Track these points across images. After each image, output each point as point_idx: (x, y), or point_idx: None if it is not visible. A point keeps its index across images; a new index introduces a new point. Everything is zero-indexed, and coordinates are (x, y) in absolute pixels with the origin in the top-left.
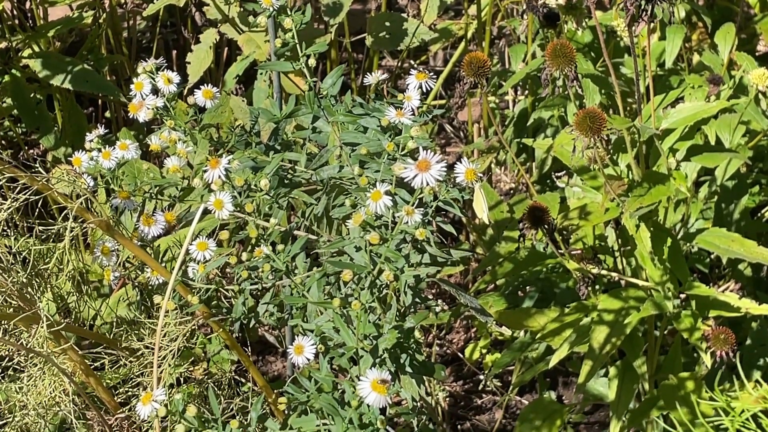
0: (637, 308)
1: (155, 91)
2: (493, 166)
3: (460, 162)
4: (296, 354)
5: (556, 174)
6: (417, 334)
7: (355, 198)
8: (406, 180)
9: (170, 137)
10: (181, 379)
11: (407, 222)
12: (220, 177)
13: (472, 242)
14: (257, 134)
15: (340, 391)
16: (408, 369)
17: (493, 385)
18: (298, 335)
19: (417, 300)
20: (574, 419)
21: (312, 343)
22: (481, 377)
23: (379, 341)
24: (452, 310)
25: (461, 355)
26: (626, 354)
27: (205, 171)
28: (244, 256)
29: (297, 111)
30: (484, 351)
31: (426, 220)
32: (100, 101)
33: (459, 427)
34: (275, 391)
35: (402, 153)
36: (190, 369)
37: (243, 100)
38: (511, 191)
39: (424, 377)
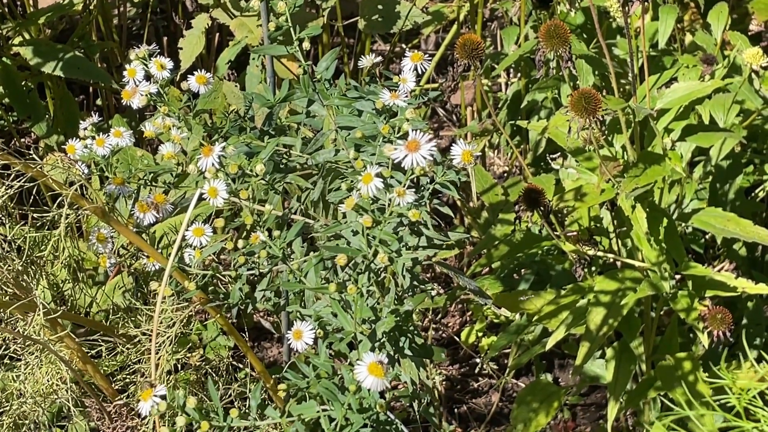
0: (634, 289)
1: (148, 77)
2: (486, 149)
3: (456, 144)
4: (295, 339)
5: (551, 156)
6: (415, 317)
7: (351, 181)
8: (396, 161)
9: (164, 123)
10: (179, 366)
11: (399, 203)
12: (213, 165)
13: (467, 225)
14: (251, 119)
15: (339, 376)
16: (407, 352)
17: (489, 368)
18: (296, 320)
19: (415, 283)
20: (571, 401)
21: (311, 328)
22: (477, 361)
23: (377, 325)
24: (447, 293)
25: (457, 339)
26: (623, 335)
27: (198, 159)
28: (241, 242)
29: (292, 95)
30: (479, 334)
31: (421, 203)
32: (91, 89)
33: (456, 410)
34: (273, 376)
35: (398, 135)
36: (186, 355)
37: (236, 86)
38: (505, 174)
39: (424, 360)
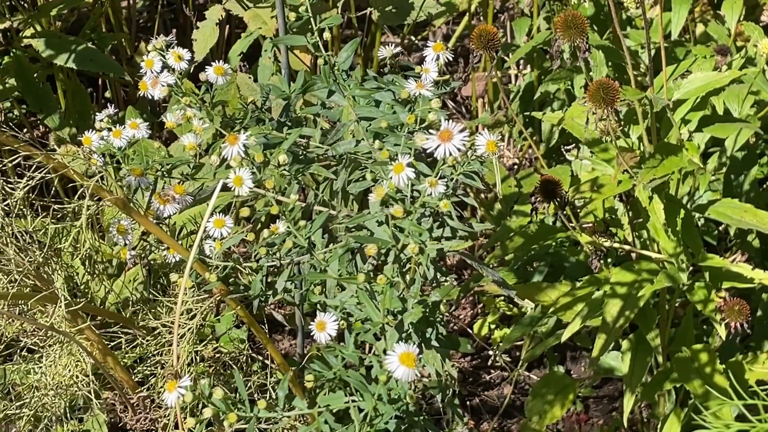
0: (651, 281)
1: (164, 68)
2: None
3: (481, 134)
4: (318, 330)
5: (565, 147)
6: (443, 307)
7: (373, 172)
8: (428, 150)
9: (185, 114)
10: (196, 358)
11: (430, 193)
12: (239, 153)
13: (480, 217)
14: (268, 111)
15: (366, 367)
16: (434, 343)
17: (502, 360)
18: (318, 312)
19: (439, 273)
20: (584, 393)
21: (334, 319)
22: (490, 353)
23: (405, 316)
24: (461, 286)
25: (469, 331)
26: (639, 327)
27: (223, 147)
28: (266, 232)
29: (312, 86)
30: (492, 326)
31: (448, 193)
32: (99, 81)
33: (468, 403)
34: (292, 368)
35: (421, 126)
36: (202, 348)
37: (249, 77)
38: (515, 166)
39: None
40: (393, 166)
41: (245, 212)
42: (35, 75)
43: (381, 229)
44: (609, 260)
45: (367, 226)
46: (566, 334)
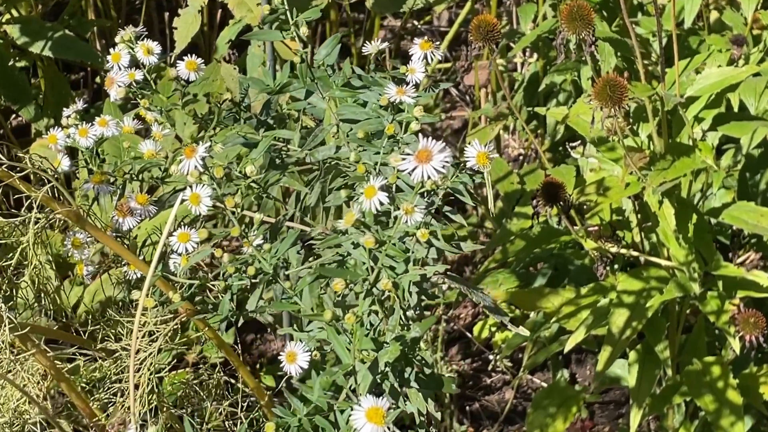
0: (660, 289)
1: (136, 62)
2: (501, 131)
3: (470, 146)
4: (288, 362)
5: (571, 144)
6: (423, 345)
7: (352, 185)
8: (404, 173)
9: (147, 118)
10: (167, 368)
11: (407, 221)
12: (196, 167)
13: (480, 216)
14: (247, 108)
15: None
16: (414, 384)
17: (503, 365)
18: (288, 342)
19: (423, 297)
20: (589, 399)
21: (306, 350)
22: (491, 357)
23: (380, 354)
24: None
25: (469, 335)
26: (646, 336)
27: (180, 160)
28: (226, 257)
29: (288, 85)
30: (493, 329)
31: (431, 210)
32: (89, 70)
33: (467, 408)
34: (267, 393)
35: (405, 136)
36: (182, 354)
37: (234, 68)
38: (520, 157)
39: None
40: (364, 188)
41: (203, 234)
42: (12, 62)
43: (358, 252)
44: (616, 266)
45: (344, 246)
46: (569, 344)
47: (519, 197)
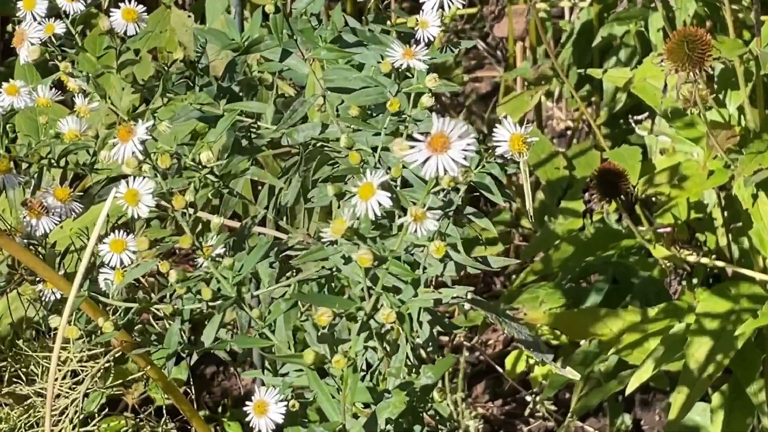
0: (753, 312)
1: (57, 10)
2: (543, 98)
3: (501, 125)
4: (257, 415)
5: (635, 117)
6: (436, 395)
7: (345, 178)
8: (413, 165)
9: (70, 86)
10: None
11: (415, 230)
12: (134, 154)
13: (514, 212)
14: (205, 71)
15: None
16: None
17: (544, 408)
18: (257, 387)
19: (438, 329)
20: None
21: (280, 398)
22: (528, 397)
23: (379, 408)
24: (487, 299)
25: (499, 369)
26: (735, 374)
27: (113, 144)
28: (173, 275)
29: (258, 42)
30: (531, 361)
31: (448, 212)
32: None
33: None
34: None
35: (414, 111)
36: (118, 395)
37: (189, 16)
38: (568, 132)
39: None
40: (358, 187)
41: (143, 244)
42: None
43: (350, 268)
44: (694, 280)
45: (333, 259)
46: (633, 383)
47: (566, 187)
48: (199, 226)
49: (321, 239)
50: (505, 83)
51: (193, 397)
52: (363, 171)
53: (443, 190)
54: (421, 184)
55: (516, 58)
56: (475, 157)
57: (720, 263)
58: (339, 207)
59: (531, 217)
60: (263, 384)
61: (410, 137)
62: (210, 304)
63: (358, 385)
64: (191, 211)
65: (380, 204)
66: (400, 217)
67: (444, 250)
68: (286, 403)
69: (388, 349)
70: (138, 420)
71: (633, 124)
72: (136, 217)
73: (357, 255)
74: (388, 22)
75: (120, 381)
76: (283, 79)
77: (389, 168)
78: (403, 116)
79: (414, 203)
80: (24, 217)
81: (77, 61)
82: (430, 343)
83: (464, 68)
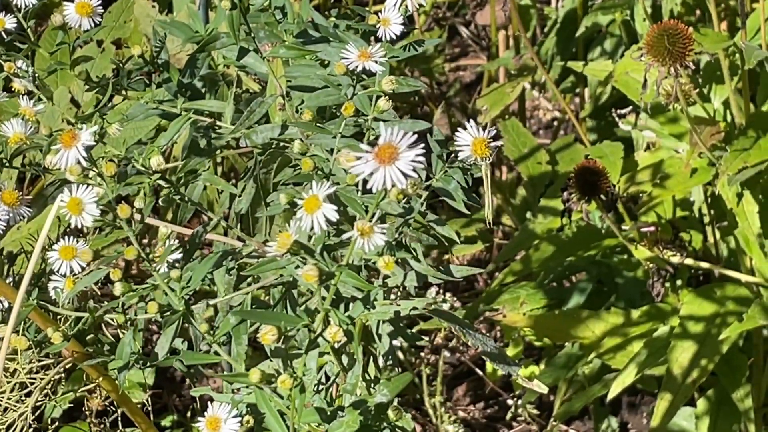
0: (739, 315)
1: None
2: (528, 86)
3: (463, 130)
4: (210, 430)
5: (619, 112)
6: (391, 413)
7: (302, 184)
8: (359, 178)
9: (15, 86)
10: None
11: (362, 246)
12: (78, 160)
13: (495, 207)
14: (165, 66)
15: None
16: None
17: (527, 412)
18: (210, 403)
19: (398, 342)
20: None
21: (233, 415)
22: (510, 401)
23: (331, 429)
24: (467, 307)
25: (479, 372)
26: (721, 380)
27: (57, 149)
28: (119, 287)
29: (213, 40)
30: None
31: (408, 218)
32: None
33: None
34: None
35: (371, 116)
36: (81, 399)
37: (154, 6)
38: (554, 122)
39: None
40: (303, 200)
41: (86, 256)
42: None
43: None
44: (678, 281)
45: (291, 272)
46: (615, 389)
47: (549, 183)
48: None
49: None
50: (489, 73)
51: (150, 409)
52: (319, 178)
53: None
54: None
55: (499, 47)
56: (440, 163)
57: (705, 265)
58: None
59: (489, 222)
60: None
61: (369, 142)
62: (162, 315)
63: (311, 404)
64: (138, 218)
65: (326, 218)
66: (345, 231)
67: (392, 266)
68: (240, 419)
69: (345, 363)
70: (101, 427)
71: (617, 119)
72: (79, 226)
73: (302, 272)
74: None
75: (79, 387)
76: (247, 74)
77: (346, 172)
78: (365, 118)
79: (366, 214)
80: None
81: (26, 58)
82: (390, 357)
83: (447, 56)
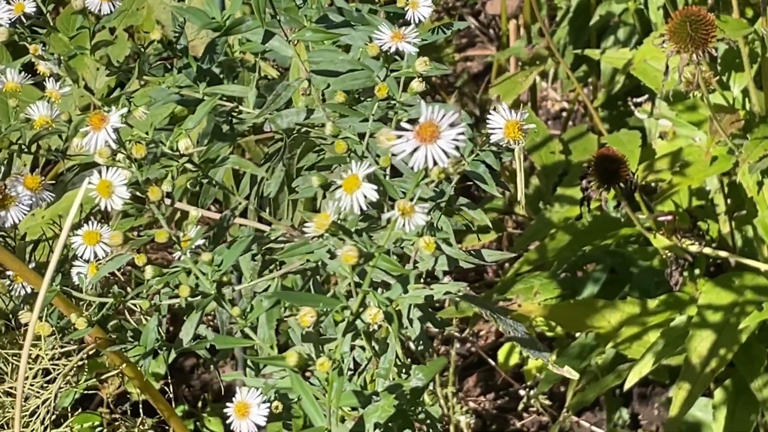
0: (758, 304)
1: None
2: (537, 78)
3: (495, 112)
4: (238, 416)
5: (635, 100)
6: (427, 397)
7: (331, 167)
8: (400, 156)
9: (41, 69)
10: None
11: (403, 225)
12: (107, 143)
13: (508, 198)
14: (184, 51)
15: None
16: None
17: (539, 403)
18: (238, 388)
19: (428, 325)
20: None
21: (263, 400)
22: (521, 391)
23: (367, 413)
24: (479, 291)
25: (491, 362)
26: (739, 369)
27: (84, 132)
28: (149, 270)
29: (238, 24)
30: (525, 354)
31: (440, 204)
32: None
33: None
34: None
35: (403, 98)
36: (93, 388)
37: None
38: (563, 113)
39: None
40: (342, 180)
41: (116, 239)
42: None
43: (337, 262)
44: (696, 270)
45: (321, 256)
46: (632, 378)
47: (562, 173)
48: (177, 215)
49: (304, 233)
50: (498, 63)
51: (171, 396)
52: (349, 160)
53: (434, 180)
54: (412, 173)
55: (510, 37)
56: (468, 145)
57: (723, 253)
58: (324, 198)
59: (524, 207)
60: (244, 385)
61: (399, 126)
62: (188, 300)
63: (345, 388)
64: (168, 202)
65: (366, 197)
66: (388, 209)
67: (434, 245)
68: (269, 404)
69: (377, 348)
70: (113, 417)
71: (632, 107)
72: (109, 209)
73: (342, 252)
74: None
75: (94, 375)
76: (265, 60)
77: (378, 157)
78: (392, 102)
79: (403, 194)
80: None
81: (48, 42)
82: (421, 341)
83: (455, 47)
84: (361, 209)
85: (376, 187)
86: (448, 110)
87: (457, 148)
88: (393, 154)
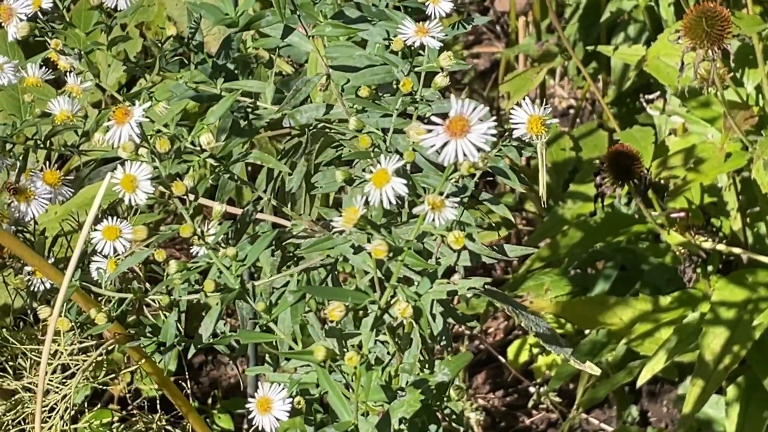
0: None
1: None
2: (546, 75)
3: (518, 108)
4: (260, 411)
5: (647, 97)
6: (453, 392)
7: (352, 162)
8: (431, 151)
9: (60, 65)
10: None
11: (433, 219)
12: (131, 137)
13: (518, 194)
14: (199, 47)
15: None
16: None
17: (548, 400)
18: (261, 382)
19: (450, 320)
20: None
21: (285, 395)
22: (531, 388)
23: (392, 408)
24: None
25: (501, 359)
26: (753, 366)
27: (108, 126)
28: (173, 265)
29: (258, 19)
30: (535, 351)
31: (463, 199)
32: None
33: None
34: None
35: (426, 93)
36: (104, 384)
37: None
38: (570, 110)
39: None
40: (372, 174)
41: (140, 233)
42: None
43: (360, 258)
44: (709, 267)
45: (341, 249)
46: (645, 375)
47: (573, 169)
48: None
49: (331, 228)
50: (506, 59)
51: (189, 391)
52: (374, 156)
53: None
54: (432, 168)
55: (519, 34)
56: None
57: (737, 250)
58: (344, 192)
59: (544, 202)
60: (264, 380)
61: (426, 120)
62: (211, 295)
63: (372, 387)
64: (191, 197)
65: (395, 191)
66: (414, 204)
67: (463, 240)
68: (291, 400)
69: (400, 343)
70: (127, 413)
71: (644, 104)
72: (133, 204)
73: (371, 246)
74: None
75: (106, 372)
76: (280, 57)
77: (398, 152)
78: (415, 97)
79: (426, 189)
80: (10, 201)
81: (66, 37)
82: (443, 337)
83: (462, 44)
84: (390, 204)
85: (405, 182)
86: (478, 105)
87: (486, 142)
88: (419, 149)
